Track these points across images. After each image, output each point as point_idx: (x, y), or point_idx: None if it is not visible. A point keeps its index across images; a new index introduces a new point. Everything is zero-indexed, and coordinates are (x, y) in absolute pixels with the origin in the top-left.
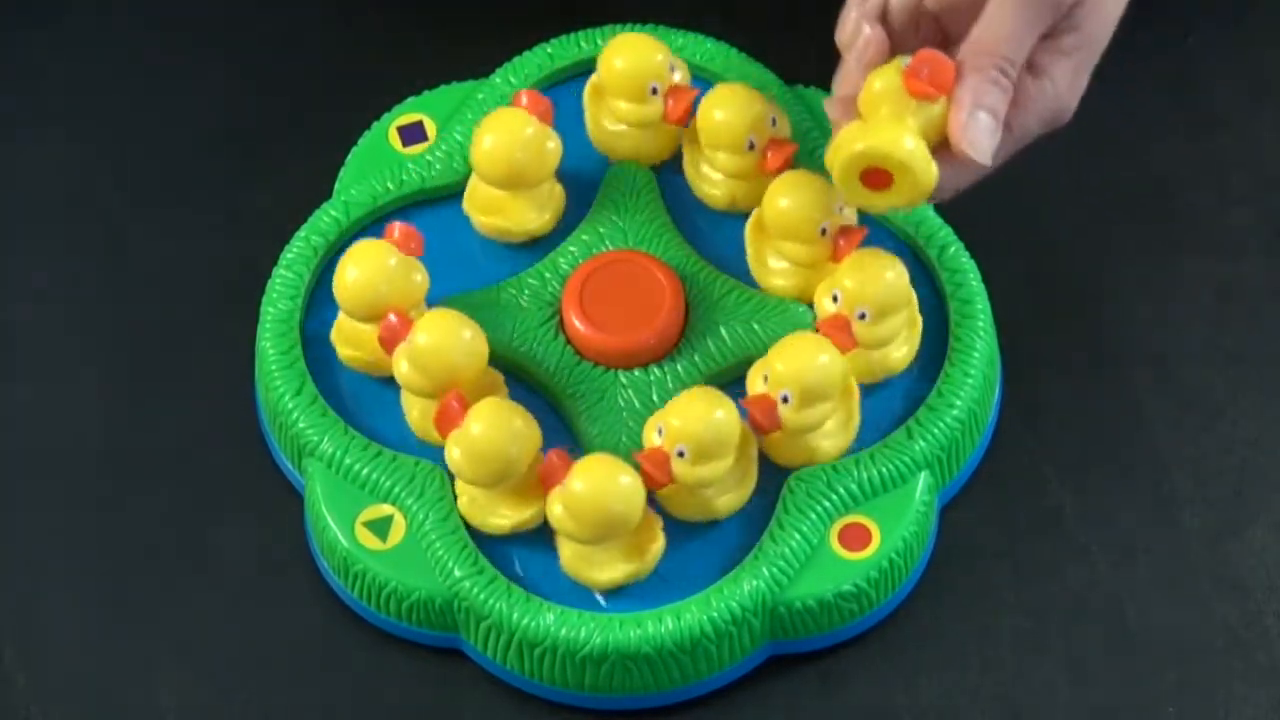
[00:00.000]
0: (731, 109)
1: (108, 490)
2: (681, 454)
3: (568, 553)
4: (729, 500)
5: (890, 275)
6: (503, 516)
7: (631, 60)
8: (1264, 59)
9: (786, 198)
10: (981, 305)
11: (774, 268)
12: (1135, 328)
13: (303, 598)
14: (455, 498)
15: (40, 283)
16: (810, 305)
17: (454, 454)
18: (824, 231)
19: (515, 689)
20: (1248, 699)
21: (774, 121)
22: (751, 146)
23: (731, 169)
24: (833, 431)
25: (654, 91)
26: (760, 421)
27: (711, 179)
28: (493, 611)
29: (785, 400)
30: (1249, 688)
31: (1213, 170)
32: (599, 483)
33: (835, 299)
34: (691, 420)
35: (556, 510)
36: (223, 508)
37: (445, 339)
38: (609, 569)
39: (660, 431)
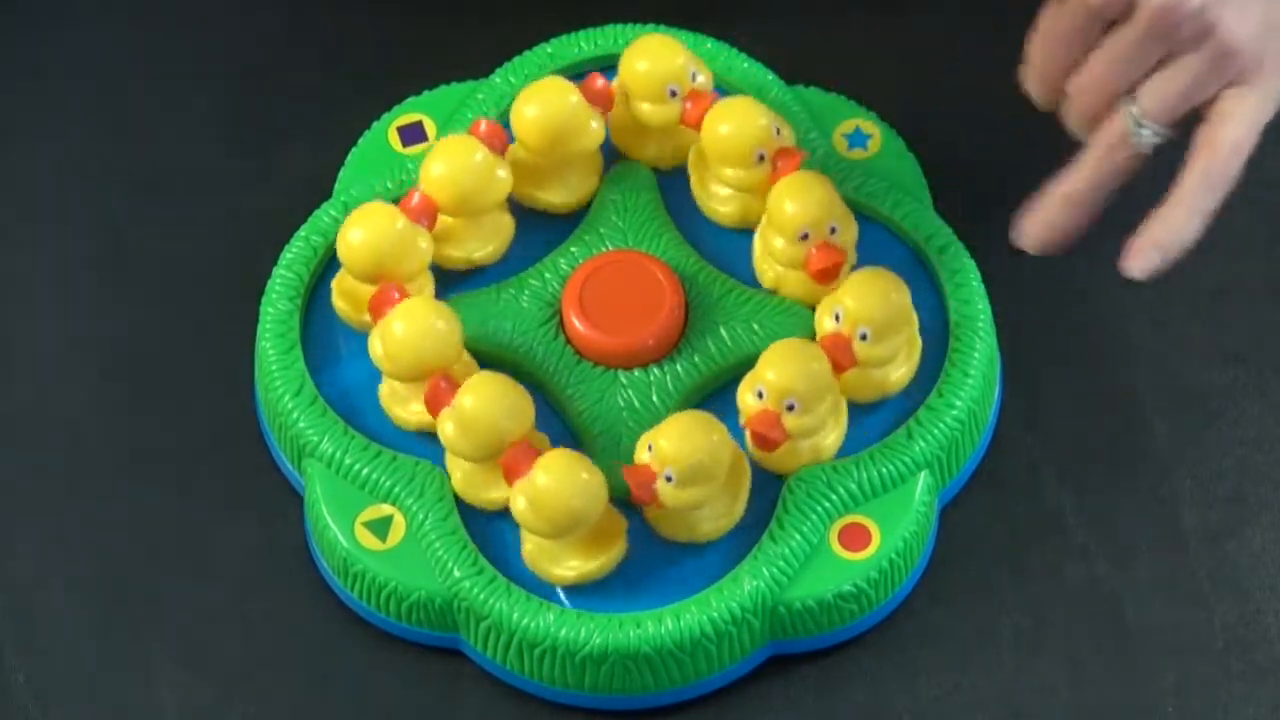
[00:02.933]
0: (736, 122)
1: (108, 491)
2: (791, 408)
3: (529, 546)
4: (833, 440)
5: (894, 295)
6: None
7: (653, 62)
8: None
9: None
10: (981, 305)
11: (716, 194)
12: (1135, 328)
13: (303, 598)
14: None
15: (40, 283)
16: (750, 232)
17: (519, 504)
18: (761, 158)
19: (515, 689)
20: (1248, 699)
21: (778, 131)
22: (761, 159)
23: (741, 183)
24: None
25: (673, 94)
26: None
27: (720, 195)
28: (493, 611)
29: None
30: (1249, 688)
31: None
32: (560, 478)
33: (837, 318)
34: (790, 373)
35: (519, 503)
36: (223, 508)
37: (490, 404)
38: (566, 565)
39: (761, 394)
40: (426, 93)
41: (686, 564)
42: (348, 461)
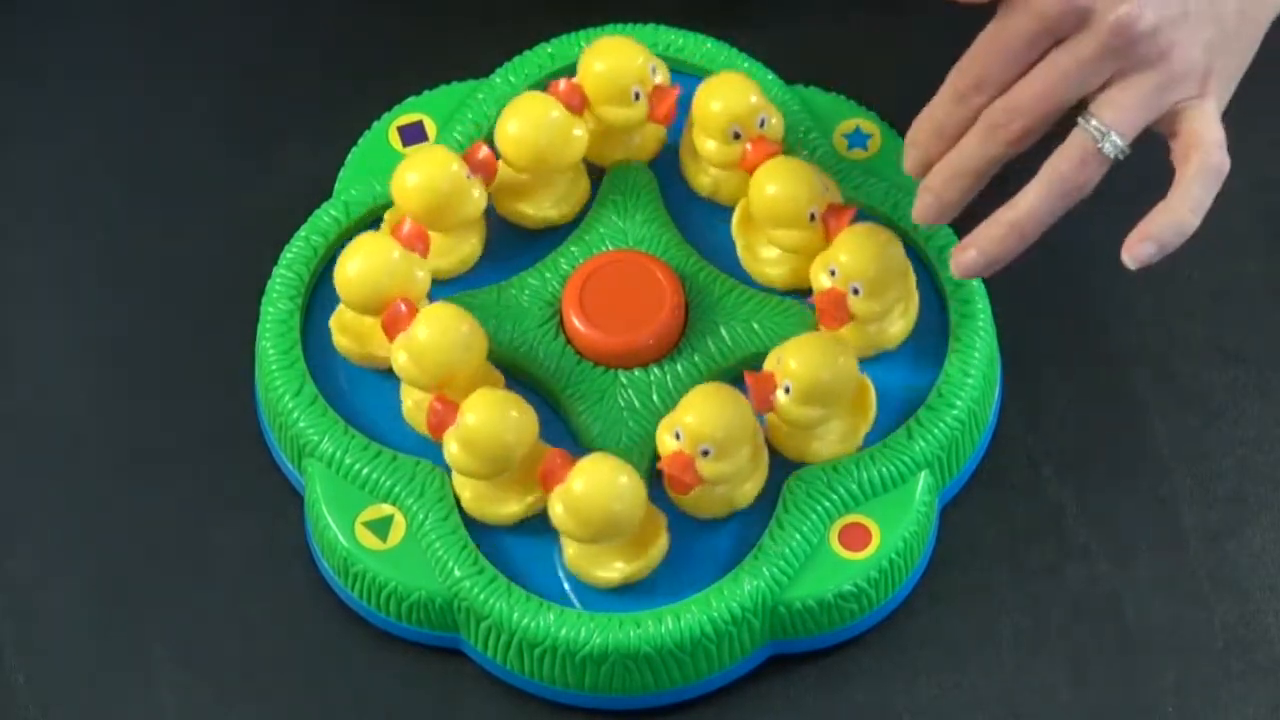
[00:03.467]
0: (786, 183)
1: (108, 490)
2: (706, 453)
3: (571, 551)
4: (749, 488)
5: (889, 249)
6: (510, 504)
7: (612, 64)
8: (1264, 60)
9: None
10: (981, 305)
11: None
12: (1135, 328)
13: (303, 598)
14: (456, 499)
15: (40, 283)
16: (804, 296)
17: (452, 449)
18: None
19: (515, 689)
20: (1247, 699)
21: (826, 188)
22: (813, 218)
23: (795, 244)
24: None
25: (636, 96)
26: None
27: (771, 259)
28: (493, 611)
29: (787, 391)
30: (1249, 688)
31: None
32: (599, 483)
33: (832, 273)
34: (709, 418)
35: (558, 510)
36: (223, 508)
37: (444, 334)
38: (611, 568)
39: (678, 435)
40: (426, 93)
41: (686, 564)
42: (348, 461)
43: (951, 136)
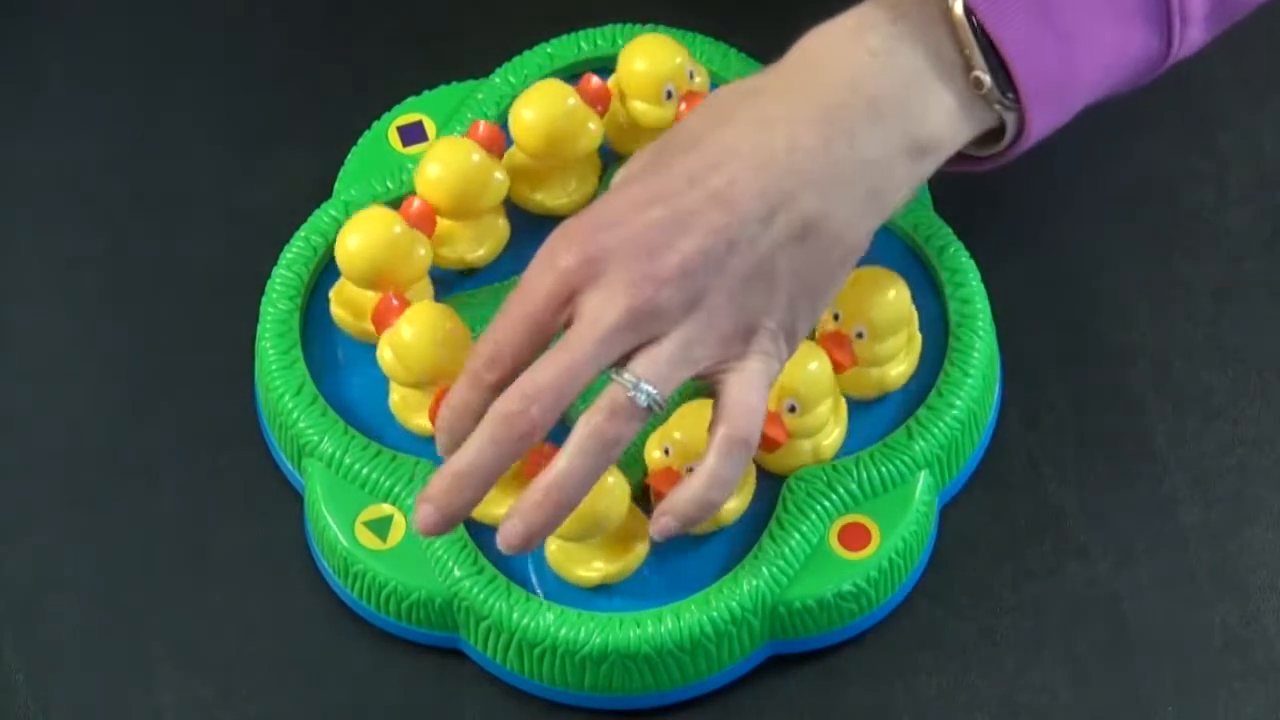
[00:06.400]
0: (652, 57)
1: (108, 490)
2: (792, 408)
3: (553, 547)
4: (733, 506)
5: (891, 294)
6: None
7: (651, 62)
8: (1264, 59)
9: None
10: (981, 305)
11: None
12: (1135, 328)
13: (303, 598)
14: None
15: (40, 283)
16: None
17: (386, 355)
18: (669, 94)
19: (515, 689)
20: (1247, 699)
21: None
22: (669, 95)
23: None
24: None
25: (669, 95)
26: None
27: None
28: (493, 611)
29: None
30: (1248, 687)
31: (1213, 170)
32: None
33: (836, 317)
34: (698, 437)
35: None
36: (223, 508)
37: (428, 333)
38: (591, 567)
39: (668, 451)
40: (426, 93)
41: (686, 564)
42: (348, 461)
43: (476, 420)
